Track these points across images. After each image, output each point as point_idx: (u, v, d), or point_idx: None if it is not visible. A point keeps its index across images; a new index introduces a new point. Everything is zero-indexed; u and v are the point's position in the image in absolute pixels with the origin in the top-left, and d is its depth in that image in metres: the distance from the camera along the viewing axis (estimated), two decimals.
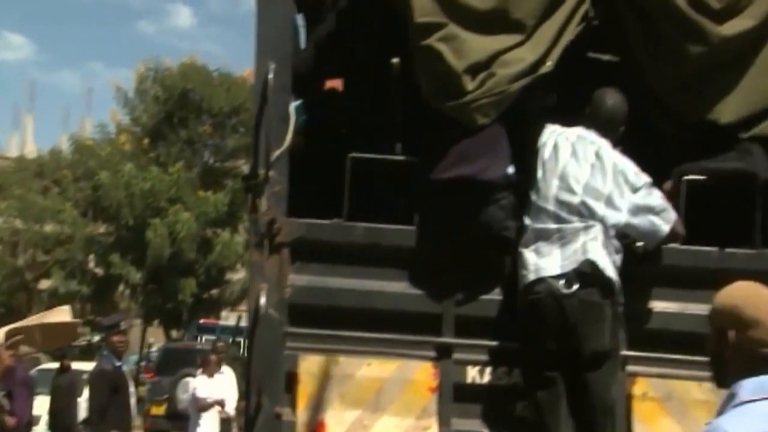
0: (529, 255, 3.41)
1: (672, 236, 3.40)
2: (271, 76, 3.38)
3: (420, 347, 3.52)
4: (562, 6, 3.45)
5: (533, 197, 3.46)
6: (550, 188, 3.43)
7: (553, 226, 3.39)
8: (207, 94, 19.57)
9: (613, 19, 3.65)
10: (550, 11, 3.44)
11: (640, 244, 3.51)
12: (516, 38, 3.41)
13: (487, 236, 3.47)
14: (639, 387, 3.48)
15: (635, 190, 3.40)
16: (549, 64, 3.45)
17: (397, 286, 3.54)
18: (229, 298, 21.00)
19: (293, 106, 3.57)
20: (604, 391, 3.33)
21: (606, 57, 4.01)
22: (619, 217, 3.37)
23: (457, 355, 3.51)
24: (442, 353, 3.50)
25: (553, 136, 3.53)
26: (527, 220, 3.45)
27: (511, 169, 3.46)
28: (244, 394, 3.70)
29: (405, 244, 3.52)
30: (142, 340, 22.02)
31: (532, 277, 3.38)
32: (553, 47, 3.45)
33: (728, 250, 3.52)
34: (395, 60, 3.50)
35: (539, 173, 3.48)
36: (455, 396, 3.49)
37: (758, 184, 3.48)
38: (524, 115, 3.57)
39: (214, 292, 20.96)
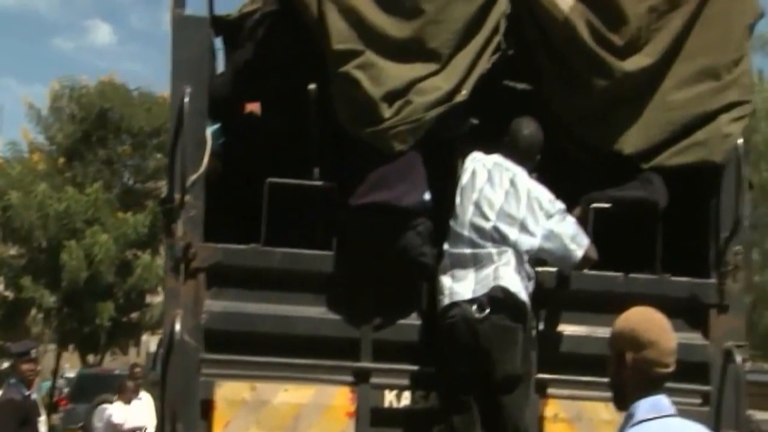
0: (445, 280, 3.47)
1: (585, 261, 3.51)
2: (186, 100, 3.36)
3: (338, 372, 3.53)
4: (476, 37, 3.55)
5: (451, 223, 3.53)
6: (465, 214, 3.50)
7: (468, 251, 3.46)
8: (127, 113, 19.13)
9: (525, 51, 3.79)
10: (464, 41, 3.53)
11: (553, 269, 3.62)
12: (432, 67, 3.48)
13: (405, 262, 3.51)
14: (550, 408, 3.58)
15: (549, 216, 3.49)
16: (464, 93, 3.53)
17: (315, 311, 3.54)
18: (149, 321, 20.46)
19: (210, 129, 3.56)
20: (517, 414, 3.40)
21: (521, 86, 4.15)
22: (533, 242, 3.46)
23: (374, 380, 3.53)
24: (360, 378, 3.52)
25: (472, 163, 3.61)
26: (446, 246, 3.51)
27: (427, 196, 3.52)
28: (158, 422, 3.62)
29: (323, 269, 3.54)
30: (56, 366, 21.21)
31: (446, 301, 3.43)
32: (467, 76, 3.54)
33: (632, 275, 3.67)
34: (312, 86, 3.52)
35: (457, 199, 3.55)
36: (372, 420, 3.50)
37: (658, 212, 3.65)
38: (441, 142, 3.64)
39: (134, 315, 20.40)
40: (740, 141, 3.72)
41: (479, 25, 3.55)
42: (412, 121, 3.44)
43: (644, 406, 2.19)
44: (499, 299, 3.38)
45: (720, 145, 3.67)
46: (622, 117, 3.66)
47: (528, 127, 3.66)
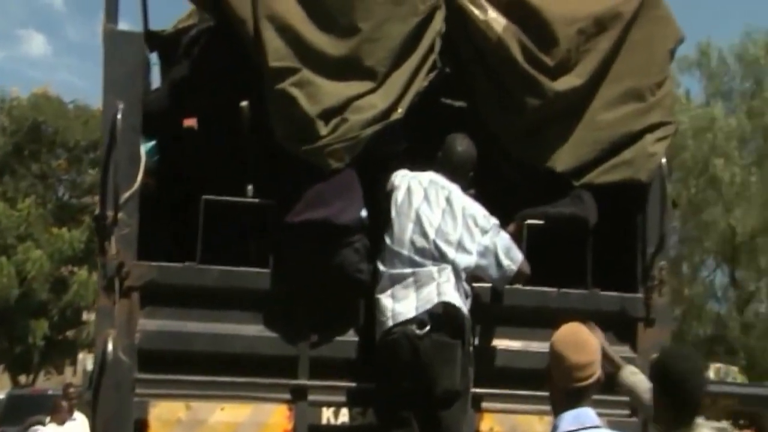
0: (386, 301, 3.46)
1: (519, 276, 3.56)
2: (119, 116, 3.31)
3: (275, 390, 3.50)
4: (412, 55, 3.58)
5: (388, 242, 3.52)
6: (405, 232, 3.51)
7: (408, 270, 3.46)
8: (61, 126, 18.69)
9: (461, 70, 3.85)
10: (400, 60, 3.55)
11: (488, 285, 3.67)
12: (368, 85, 3.50)
13: (342, 278, 3.51)
14: (486, 423, 3.61)
15: (484, 232, 3.53)
16: (400, 111, 3.56)
17: (252, 329, 3.51)
18: (86, 339, 19.95)
19: (146, 146, 3.51)
20: (455, 428, 3.40)
21: (458, 103, 4.21)
22: (470, 259, 3.49)
23: (312, 397, 3.51)
24: (298, 395, 3.50)
25: (406, 180, 3.62)
26: (382, 266, 3.50)
27: (364, 213, 3.52)
28: None
29: (260, 286, 3.51)
30: None
31: (390, 323, 3.42)
32: (404, 94, 3.57)
33: (564, 290, 3.74)
34: (244, 103, 3.51)
35: (393, 217, 3.55)
36: None
37: (589, 228, 3.73)
38: (378, 160, 3.66)
39: (70, 333, 19.85)
40: (664, 160, 3.85)
41: (415, 44, 3.58)
42: (348, 139, 3.45)
43: (567, 418, 2.26)
44: (440, 316, 3.39)
45: (646, 164, 3.79)
46: (554, 135, 3.75)
47: (461, 144, 3.70)
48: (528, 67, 3.64)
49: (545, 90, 3.67)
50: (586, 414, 2.27)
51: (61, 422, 8.83)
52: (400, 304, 3.42)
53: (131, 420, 3.34)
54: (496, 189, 3.87)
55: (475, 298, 3.58)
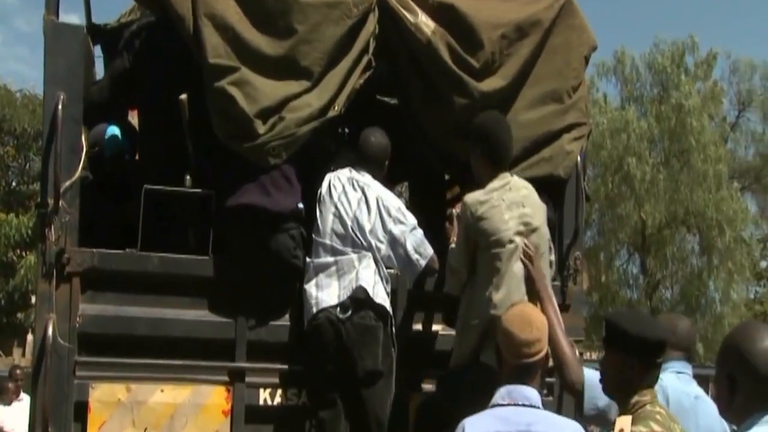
0: (311, 290, 3.43)
1: (427, 270, 3.55)
2: (60, 106, 3.18)
3: (214, 372, 3.44)
4: (347, 56, 3.54)
5: (313, 235, 3.51)
6: (326, 223, 3.49)
7: (330, 259, 3.44)
8: (9, 114, 17.96)
9: (395, 70, 3.83)
10: (335, 60, 3.51)
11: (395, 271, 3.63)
12: (304, 85, 3.45)
13: (278, 264, 3.47)
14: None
15: (397, 223, 3.51)
16: (336, 110, 3.52)
17: (191, 314, 3.44)
18: (34, 322, 19.23)
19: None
20: (379, 408, 3.41)
21: (393, 101, 4.20)
22: (382, 248, 3.48)
23: (249, 379, 3.47)
24: (236, 377, 3.45)
25: (327, 178, 3.60)
26: (308, 258, 3.48)
27: (300, 205, 3.50)
28: (30, 426, 3.41)
29: (199, 273, 3.44)
30: None
31: (314, 310, 3.40)
32: (339, 93, 3.53)
33: None
34: (183, 96, 3.42)
35: (317, 212, 3.54)
36: (247, 418, 3.44)
37: None
38: (314, 156, 3.62)
39: (20, 316, 19.17)
40: (579, 158, 3.92)
41: (349, 45, 3.54)
42: (285, 137, 3.40)
43: (501, 393, 2.25)
44: (360, 300, 3.38)
45: (563, 161, 3.84)
46: None
47: (374, 136, 3.67)
48: (455, 68, 3.65)
49: (471, 90, 3.68)
50: (520, 391, 2.24)
51: (8, 403, 8.56)
52: (324, 293, 3.40)
53: (72, 402, 3.25)
54: (426, 183, 3.87)
55: (397, 282, 3.55)
